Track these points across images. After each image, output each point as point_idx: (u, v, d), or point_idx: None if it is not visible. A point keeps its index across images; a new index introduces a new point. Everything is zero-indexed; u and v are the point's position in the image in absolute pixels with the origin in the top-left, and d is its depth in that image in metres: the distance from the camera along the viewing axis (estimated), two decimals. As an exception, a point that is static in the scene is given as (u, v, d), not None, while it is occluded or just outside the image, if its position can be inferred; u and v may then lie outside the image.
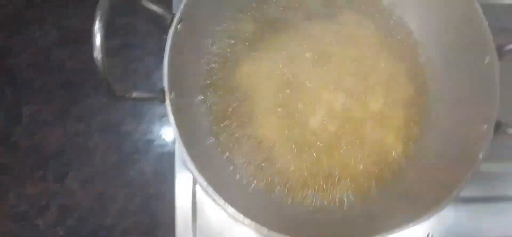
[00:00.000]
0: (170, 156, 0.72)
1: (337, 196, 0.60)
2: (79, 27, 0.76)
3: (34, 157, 0.73)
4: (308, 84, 0.63)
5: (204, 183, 0.47)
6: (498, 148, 0.61)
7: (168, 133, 0.74)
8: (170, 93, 0.50)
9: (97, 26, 0.41)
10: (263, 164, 0.61)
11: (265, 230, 0.47)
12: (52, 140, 0.73)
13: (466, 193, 0.62)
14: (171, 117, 0.49)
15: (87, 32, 0.74)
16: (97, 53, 0.41)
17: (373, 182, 0.60)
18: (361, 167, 0.61)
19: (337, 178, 0.60)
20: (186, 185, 0.66)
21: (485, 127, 0.52)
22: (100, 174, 0.72)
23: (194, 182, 0.66)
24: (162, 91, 0.49)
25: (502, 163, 0.69)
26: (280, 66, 0.63)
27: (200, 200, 0.66)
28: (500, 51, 0.53)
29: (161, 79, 0.51)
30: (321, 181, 0.60)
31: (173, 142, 0.72)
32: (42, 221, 0.70)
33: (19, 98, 0.74)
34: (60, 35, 0.77)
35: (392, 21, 0.67)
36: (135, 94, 0.47)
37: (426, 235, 0.66)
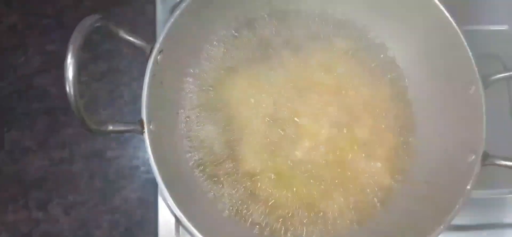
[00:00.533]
0: (154, 183, 0.71)
1: (327, 227, 0.59)
2: (62, 53, 0.75)
3: (16, 184, 0.72)
4: (291, 114, 0.63)
5: (181, 216, 0.46)
6: (487, 175, 0.62)
7: (152, 159, 0.73)
8: (149, 124, 0.49)
9: (69, 61, 0.40)
10: (245, 196, 0.60)
11: None
12: (35, 166, 0.72)
13: (456, 221, 0.62)
14: (148, 149, 0.48)
15: (71, 57, 0.74)
16: (70, 88, 0.40)
17: (360, 214, 0.60)
18: (347, 199, 0.60)
19: (322, 209, 0.60)
20: (169, 213, 0.66)
21: (473, 157, 0.51)
22: (84, 201, 0.71)
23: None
24: (140, 122, 0.49)
25: (492, 189, 0.69)
26: (263, 95, 0.63)
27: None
28: (486, 81, 0.52)
29: (144, 107, 0.50)
30: (304, 214, 0.60)
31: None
32: (24, 250, 0.69)
33: (1, 124, 0.74)
34: (43, 62, 0.76)
35: (375, 50, 0.67)
36: (111, 127, 0.46)
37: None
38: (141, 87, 0.74)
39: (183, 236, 0.66)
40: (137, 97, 0.73)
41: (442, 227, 0.49)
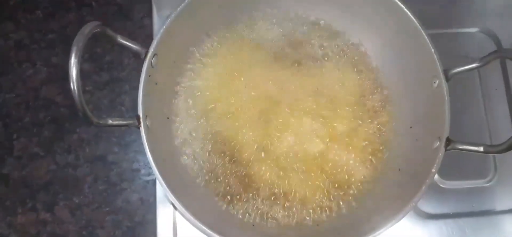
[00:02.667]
0: (154, 184, 0.75)
1: (307, 214, 0.63)
2: (67, 65, 0.79)
3: (24, 187, 0.76)
4: (279, 111, 0.68)
5: (175, 201, 0.50)
6: (464, 167, 0.67)
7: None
8: (145, 119, 0.54)
9: (73, 61, 0.45)
10: (237, 184, 0.64)
11: None
12: (42, 171, 0.76)
13: (435, 210, 0.67)
14: (144, 141, 0.53)
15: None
16: (73, 85, 0.45)
17: (340, 200, 0.64)
18: (328, 186, 0.64)
19: (305, 196, 0.64)
20: (167, 213, 0.70)
21: (437, 143, 0.56)
22: (88, 202, 0.75)
23: (174, 210, 0.70)
24: (137, 117, 0.53)
25: (466, 180, 0.73)
26: (252, 93, 0.68)
27: (181, 228, 0.70)
28: (447, 75, 0.57)
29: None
30: (290, 201, 0.64)
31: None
32: (33, 250, 0.72)
33: (10, 133, 0.78)
34: (49, 73, 0.81)
35: (352, 52, 0.72)
36: (110, 121, 0.51)
37: (398, 252, 0.69)
38: (140, 95, 0.79)
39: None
40: (137, 105, 0.78)
41: (410, 205, 0.53)
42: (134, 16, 0.84)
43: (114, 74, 0.81)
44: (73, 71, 0.45)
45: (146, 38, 0.81)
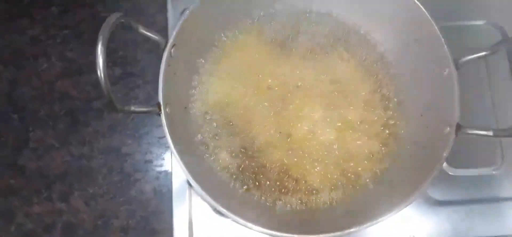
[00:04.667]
0: (168, 175, 0.77)
1: (321, 198, 0.65)
2: (81, 60, 0.82)
3: (40, 178, 0.77)
4: (292, 99, 0.70)
5: (191, 179, 0.53)
6: (472, 156, 0.70)
7: (165, 153, 0.79)
8: (165, 106, 0.56)
9: (100, 49, 0.47)
10: (252, 170, 0.66)
11: (263, 230, 0.53)
12: (57, 162, 0.78)
13: (444, 197, 0.68)
14: (165, 127, 0.54)
15: (88, 64, 0.81)
16: (100, 73, 0.47)
17: (352, 186, 0.65)
18: (340, 172, 0.66)
19: (318, 182, 0.66)
20: (183, 202, 0.72)
21: (448, 129, 0.58)
22: (103, 193, 0.77)
23: (190, 198, 0.71)
24: (158, 105, 0.55)
25: (475, 168, 0.75)
26: (267, 83, 0.70)
27: (197, 216, 0.71)
28: (457, 63, 0.59)
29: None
30: (304, 186, 0.66)
31: (170, 162, 0.77)
32: (49, 239, 0.74)
33: (26, 125, 0.80)
34: (64, 68, 0.82)
35: (364, 43, 0.74)
36: (133, 107, 0.53)
37: (408, 237, 0.71)
38: (154, 89, 0.80)
39: (197, 224, 0.71)
40: (151, 98, 0.80)
41: (421, 188, 0.55)
42: (147, 11, 0.85)
43: (128, 69, 0.83)
44: (100, 60, 0.47)
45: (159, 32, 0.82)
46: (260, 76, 0.70)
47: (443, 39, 0.60)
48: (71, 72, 0.83)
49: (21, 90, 0.81)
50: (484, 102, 0.77)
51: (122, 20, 0.51)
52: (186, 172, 0.53)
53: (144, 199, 0.77)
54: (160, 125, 0.56)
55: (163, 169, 0.78)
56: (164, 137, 0.70)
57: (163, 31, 0.81)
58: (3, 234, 0.74)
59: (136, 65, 0.83)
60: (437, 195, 0.73)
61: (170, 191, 0.74)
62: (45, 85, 0.82)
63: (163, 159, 0.78)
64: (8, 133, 0.79)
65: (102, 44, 0.47)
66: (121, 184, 0.77)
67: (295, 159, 0.66)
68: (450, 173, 0.73)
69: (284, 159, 0.67)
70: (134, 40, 0.83)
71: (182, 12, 0.69)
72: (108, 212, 0.76)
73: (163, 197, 0.76)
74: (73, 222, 0.76)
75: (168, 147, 0.78)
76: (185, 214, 0.71)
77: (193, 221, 0.71)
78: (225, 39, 0.71)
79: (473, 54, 0.59)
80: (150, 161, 0.79)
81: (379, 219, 0.54)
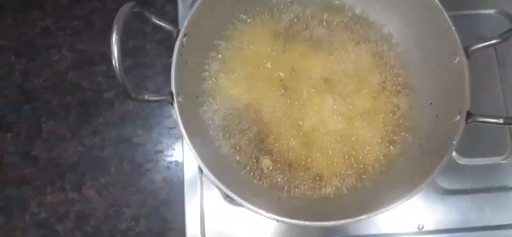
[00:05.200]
0: (178, 165, 0.78)
1: (330, 188, 0.66)
2: (92, 51, 0.83)
3: (53, 169, 0.78)
4: (303, 89, 0.70)
5: (206, 170, 0.54)
6: (481, 145, 0.71)
7: (175, 144, 0.80)
8: (177, 95, 0.56)
9: (115, 38, 0.48)
10: (263, 158, 0.67)
11: (273, 216, 0.54)
12: (69, 153, 0.79)
13: (453, 186, 0.69)
14: (178, 115, 0.55)
15: (99, 55, 0.82)
16: (115, 61, 0.48)
17: (362, 175, 0.66)
18: (350, 162, 0.67)
19: (328, 171, 0.67)
20: (195, 191, 0.72)
21: (458, 117, 0.58)
22: (114, 182, 0.78)
23: (202, 187, 0.72)
24: (171, 94, 0.56)
25: (484, 157, 0.75)
26: (276, 75, 0.70)
27: (208, 205, 0.72)
28: (467, 51, 0.60)
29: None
30: (314, 176, 0.67)
31: (181, 152, 0.77)
32: (62, 227, 0.76)
33: (39, 116, 0.81)
34: (75, 59, 0.83)
35: (374, 32, 0.73)
36: (147, 96, 0.54)
37: (417, 226, 0.72)
38: (163, 80, 0.82)
39: (208, 213, 0.72)
40: (160, 88, 0.81)
41: (431, 175, 0.56)
42: (156, 3, 0.86)
43: (138, 59, 0.83)
44: (115, 48, 0.48)
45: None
46: (271, 66, 0.70)
47: (453, 28, 0.60)
48: (82, 63, 0.83)
49: (33, 81, 0.82)
50: (494, 91, 0.77)
51: (136, 10, 0.51)
52: (198, 159, 0.54)
53: (155, 188, 0.78)
54: (170, 116, 0.58)
55: (173, 159, 0.79)
56: (175, 127, 0.72)
57: (174, 23, 0.80)
58: (18, 223, 0.76)
59: (146, 56, 0.84)
60: (446, 184, 0.73)
61: (180, 180, 0.74)
62: (57, 76, 0.83)
63: (174, 149, 0.79)
64: (21, 123, 0.80)
65: (117, 33, 0.47)
66: (132, 174, 0.78)
67: (306, 148, 0.67)
68: (459, 162, 0.74)
69: (295, 148, 0.67)
70: (144, 31, 0.84)
71: (193, 2, 0.70)
72: (120, 201, 0.77)
73: (173, 186, 0.78)
74: (85, 211, 0.77)
75: (178, 137, 0.79)
76: (196, 203, 0.72)
77: (204, 210, 0.71)
78: (237, 29, 0.72)
79: (483, 42, 0.59)
80: (161, 151, 0.80)
81: (388, 207, 0.55)
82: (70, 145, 0.79)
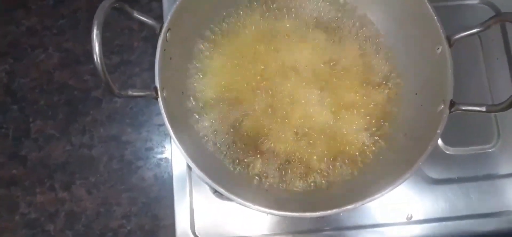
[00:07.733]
0: (168, 162, 0.78)
1: (317, 179, 0.66)
2: (78, 50, 0.83)
3: (42, 168, 0.78)
4: (288, 81, 0.70)
5: (193, 165, 0.53)
6: (468, 133, 0.71)
7: (165, 141, 0.80)
8: (162, 91, 0.56)
9: (95, 33, 0.47)
10: (250, 152, 0.67)
11: (262, 209, 0.54)
12: (58, 152, 0.79)
13: (440, 175, 0.69)
14: (162, 110, 0.55)
15: (85, 53, 0.82)
16: (97, 57, 0.48)
17: (348, 166, 0.66)
18: (337, 153, 0.67)
19: (315, 162, 0.67)
20: (184, 187, 0.73)
21: (442, 106, 0.59)
22: (104, 181, 0.78)
23: (191, 183, 0.72)
24: (155, 89, 0.56)
25: (470, 146, 0.76)
26: (266, 66, 0.70)
27: (197, 200, 0.72)
28: (450, 41, 0.60)
29: (156, 85, 0.57)
30: (300, 167, 0.67)
31: (170, 149, 0.78)
32: (52, 227, 0.76)
33: (26, 116, 0.80)
34: (61, 58, 0.83)
35: (357, 21, 0.73)
36: (131, 92, 0.54)
37: (406, 216, 0.72)
38: (151, 77, 0.82)
39: (197, 209, 0.72)
40: (148, 85, 0.81)
41: (416, 164, 0.56)
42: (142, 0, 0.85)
43: (125, 57, 0.83)
44: (96, 44, 0.47)
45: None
46: (256, 59, 0.70)
47: (435, 17, 0.60)
48: (68, 62, 0.83)
49: (19, 81, 0.82)
50: (479, 80, 0.78)
51: (116, 5, 0.51)
52: (185, 154, 0.54)
53: (145, 186, 0.78)
54: (159, 113, 0.57)
55: (163, 156, 0.79)
56: (164, 124, 0.71)
57: (159, 19, 0.80)
58: (8, 224, 0.75)
59: (132, 53, 0.83)
60: (434, 173, 0.74)
61: (170, 177, 0.74)
62: (43, 76, 0.82)
63: (164, 147, 0.79)
64: (8, 123, 0.80)
65: (97, 28, 0.47)
66: (122, 172, 0.78)
67: (293, 140, 0.67)
68: (446, 152, 0.74)
69: (282, 141, 0.67)
70: (131, 28, 0.84)
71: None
72: (110, 200, 0.77)
73: (164, 184, 0.78)
74: (75, 211, 0.77)
75: (167, 134, 0.79)
76: (186, 198, 0.72)
77: (194, 206, 0.71)
78: (221, 23, 0.72)
79: (466, 31, 0.59)
80: (151, 148, 0.80)
81: (375, 196, 0.55)
82: (59, 144, 0.79)
